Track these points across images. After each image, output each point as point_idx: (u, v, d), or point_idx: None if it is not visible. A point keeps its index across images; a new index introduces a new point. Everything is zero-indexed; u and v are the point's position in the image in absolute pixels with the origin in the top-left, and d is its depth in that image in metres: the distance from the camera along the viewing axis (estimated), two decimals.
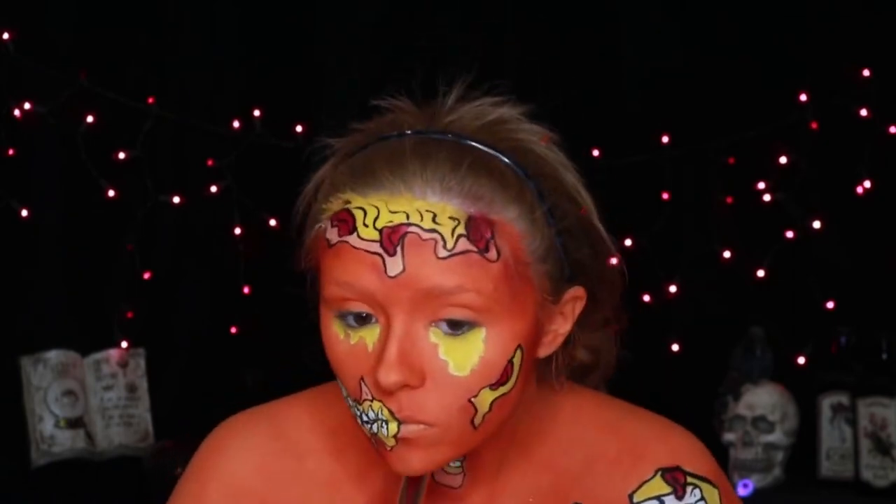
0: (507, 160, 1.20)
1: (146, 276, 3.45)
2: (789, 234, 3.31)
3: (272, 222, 3.40)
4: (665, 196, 3.39)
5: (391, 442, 1.18)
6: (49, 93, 3.32)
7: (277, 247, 3.61)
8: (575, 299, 1.25)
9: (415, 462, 1.19)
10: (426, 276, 1.15)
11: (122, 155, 3.37)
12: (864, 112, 3.24)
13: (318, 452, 1.32)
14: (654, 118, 3.44)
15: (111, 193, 3.38)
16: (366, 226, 1.16)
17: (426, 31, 3.54)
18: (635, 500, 1.29)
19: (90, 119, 3.35)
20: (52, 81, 3.34)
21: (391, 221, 1.15)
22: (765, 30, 3.40)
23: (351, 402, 1.21)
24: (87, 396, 3.45)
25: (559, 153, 1.26)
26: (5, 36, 3.31)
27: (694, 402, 3.23)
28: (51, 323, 3.46)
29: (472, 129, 1.21)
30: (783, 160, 3.30)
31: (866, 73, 3.25)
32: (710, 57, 3.44)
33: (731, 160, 3.34)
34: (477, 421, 1.19)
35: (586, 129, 3.31)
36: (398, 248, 1.15)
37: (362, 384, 1.18)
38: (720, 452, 3.23)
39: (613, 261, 1.29)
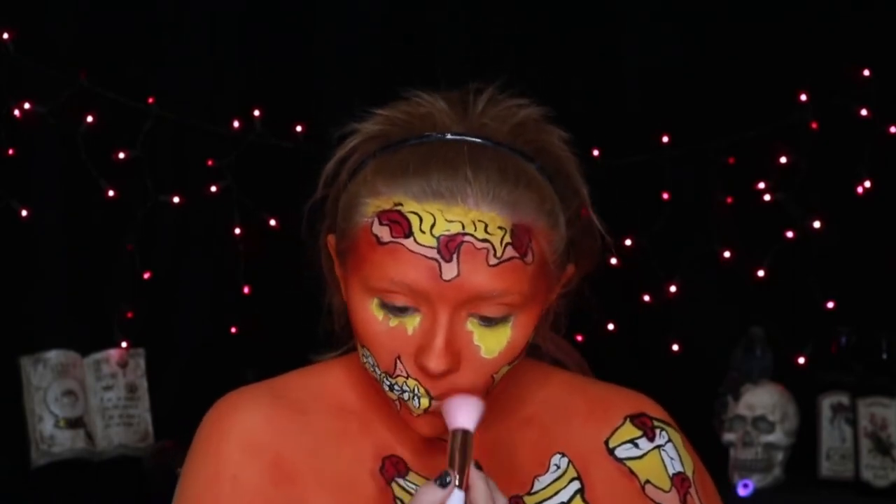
0: (536, 166, 1.30)
1: (146, 276, 3.45)
2: (789, 234, 3.31)
3: (272, 222, 3.40)
4: (665, 196, 3.40)
5: (419, 412, 1.29)
6: (49, 93, 3.33)
7: (277, 247, 3.63)
8: (567, 275, 1.37)
9: (438, 429, 1.29)
10: (478, 282, 1.25)
11: (122, 155, 3.37)
12: (864, 112, 3.24)
13: (317, 412, 1.38)
14: (654, 118, 3.44)
15: (111, 193, 3.38)
16: (423, 232, 1.25)
17: (426, 32, 3.54)
18: (611, 445, 1.41)
19: (90, 119, 3.36)
20: (52, 81, 3.34)
21: (448, 230, 1.25)
22: (765, 30, 3.40)
23: (379, 372, 1.30)
24: (87, 396, 3.45)
25: (568, 150, 1.35)
26: (5, 36, 3.31)
27: (694, 402, 3.22)
28: (51, 323, 3.46)
29: (503, 132, 1.31)
30: (783, 160, 3.30)
31: (866, 73, 3.25)
32: (710, 57, 3.44)
33: (731, 160, 3.35)
34: (490, 390, 1.31)
35: (586, 129, 3.30)
36: (454, 256, 1.25)
37: (398, 362, 1.28)
38: (720, 452, 3.22)
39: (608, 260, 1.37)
